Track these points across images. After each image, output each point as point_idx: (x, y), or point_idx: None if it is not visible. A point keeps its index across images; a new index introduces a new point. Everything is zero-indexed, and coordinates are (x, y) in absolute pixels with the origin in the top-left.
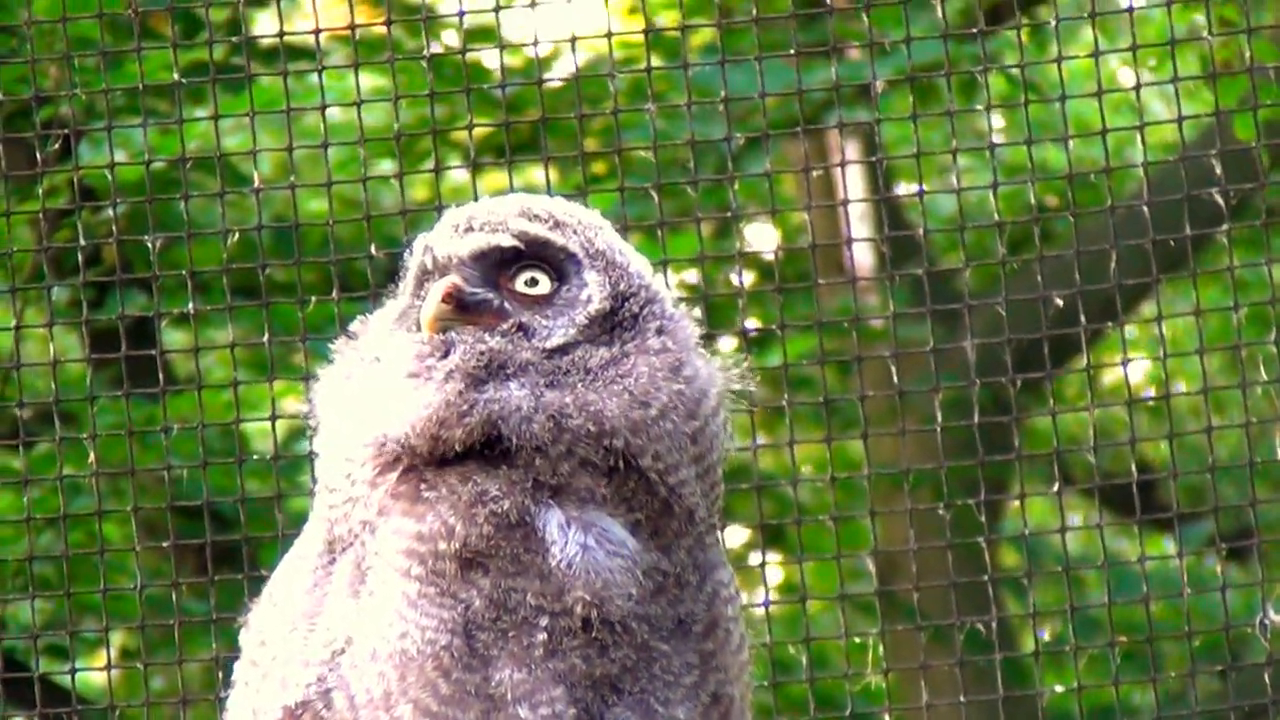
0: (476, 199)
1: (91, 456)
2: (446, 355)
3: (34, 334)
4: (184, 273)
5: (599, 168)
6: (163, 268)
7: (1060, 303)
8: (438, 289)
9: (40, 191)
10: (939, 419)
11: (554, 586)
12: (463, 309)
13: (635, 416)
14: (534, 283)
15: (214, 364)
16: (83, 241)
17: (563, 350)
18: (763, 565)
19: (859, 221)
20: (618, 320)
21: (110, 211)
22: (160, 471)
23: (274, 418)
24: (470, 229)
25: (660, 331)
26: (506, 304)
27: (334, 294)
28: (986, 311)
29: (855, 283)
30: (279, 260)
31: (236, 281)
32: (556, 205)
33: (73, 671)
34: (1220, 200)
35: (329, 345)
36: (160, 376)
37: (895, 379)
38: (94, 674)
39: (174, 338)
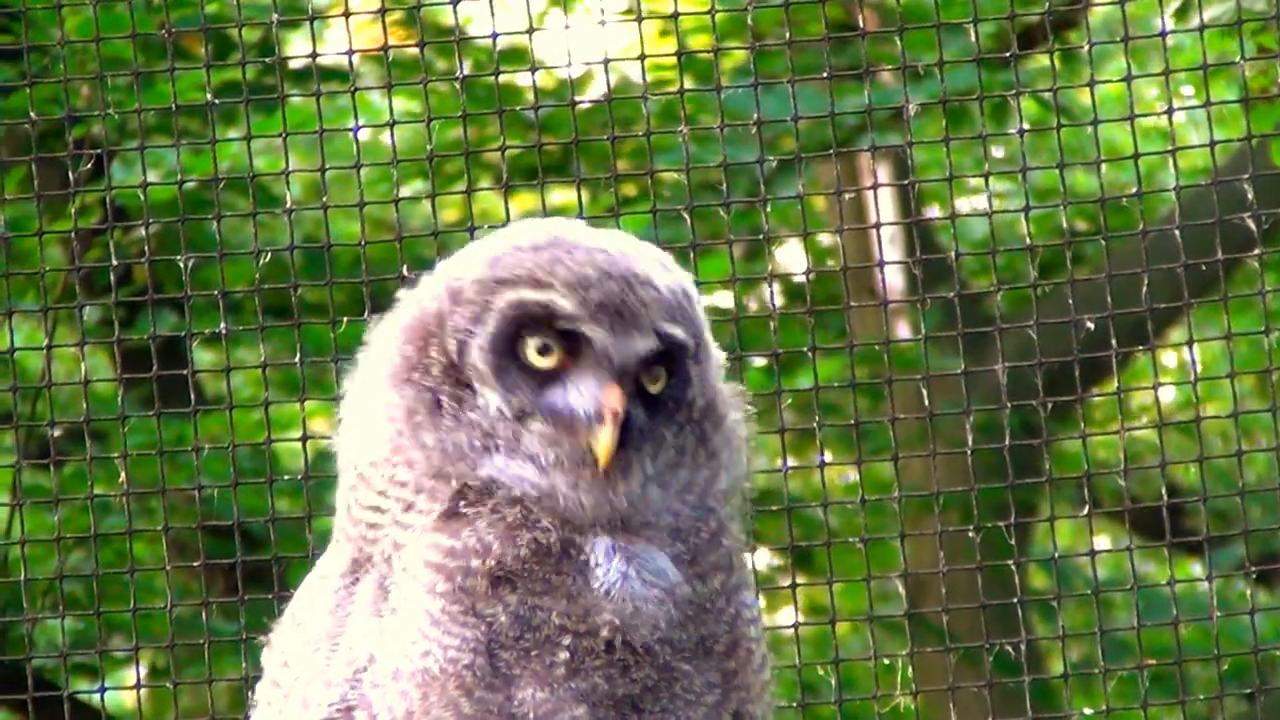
0: (508, 219)
1: (122, 476)
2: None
3: (64, 353)
4: (215, 293)
5: (630, 189)
6: (194, 287)
7: (1091, 326)
8: (614, 418)
9: (72, 211)
10: (969, 442)
11: (581, 608)
12: (631, 433)
13: (718, 504)
14: (656, 379)
15: (244, 384)
16: (114, 261)
17: (677, 451)
18: (793, 587)
19: (890, 245)
20: (704, 409)
21: (142, 231)
22: (191, 491)
23: (305, 438)
24: (620, 315)
25: (725, 406)
26: (642, 416)
27: (365, 314)
28: (1017, 335)
29: (886, 305)
30: (310, 281)
31: (268, 301)
32: (676, 281)
33: (102, 690)
34: (1252, 225)
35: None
36: (191, 396)
37: (926, 401)
38: (123, 693)
39: (204, 358)
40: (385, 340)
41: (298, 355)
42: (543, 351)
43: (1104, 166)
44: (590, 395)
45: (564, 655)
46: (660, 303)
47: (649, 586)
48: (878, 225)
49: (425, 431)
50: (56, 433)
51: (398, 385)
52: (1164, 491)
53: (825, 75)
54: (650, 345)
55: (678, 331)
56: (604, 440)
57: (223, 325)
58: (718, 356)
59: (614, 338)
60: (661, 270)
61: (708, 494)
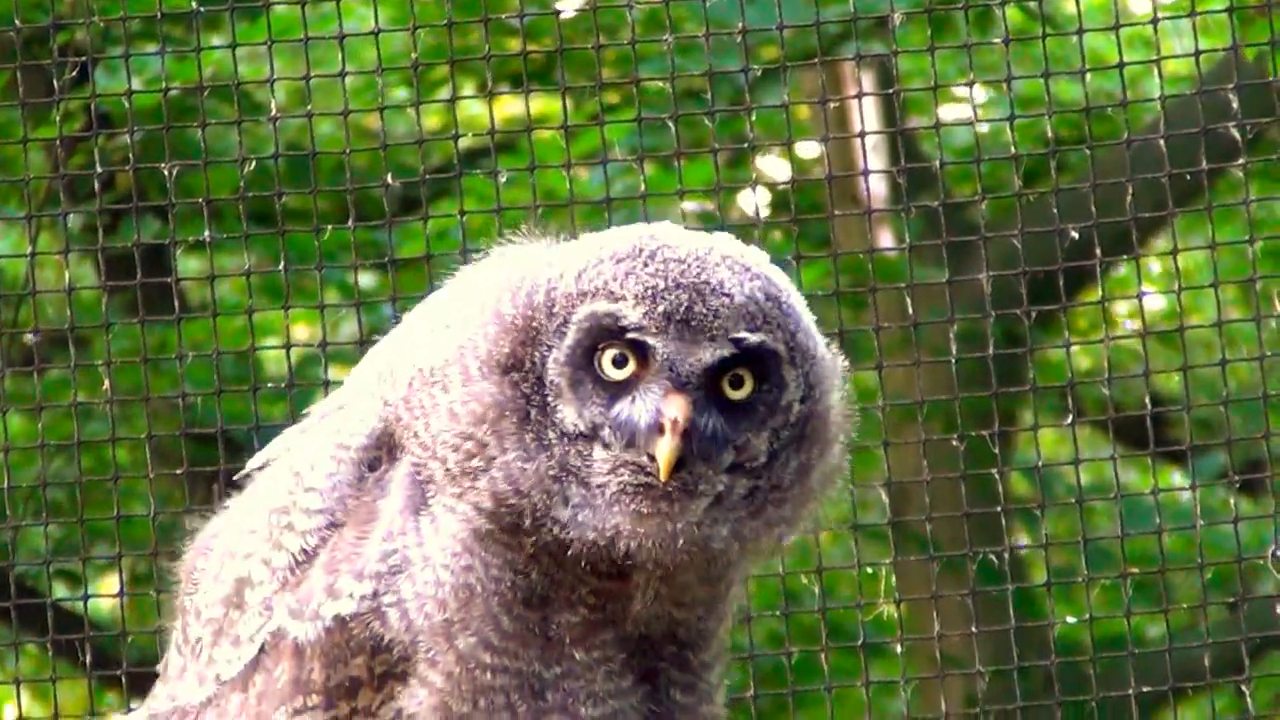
0: (492, 127)
1: (105, 382)
2: (675, 496)
3: (48, 260)
4: (199, 200)
5: (614, 97)
6: (178, 194)
7: (1075, 235)
8: (674, 427)
9: (56, 117)
10: (953, 350)
11: (614, 600)
12: (692, 443)
13: (802, 531)
14: (739, 384)
15: (228, 291)
16: (98, 168)
17: (764, 466)
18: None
19: (873, 153)
20: (804, 416)
21: (126, 138)
22: (174, 398)
23: (288, 345)
24: (687, 324)
25: (836, 425)
26: (719, 424)
27: (349, 222)
28: (1001, 243)
29: (870, 214)
30: (294, 188)
31: (252, 209)
32: (759, 288)
33: (85, 597)
34: (1236, 134)
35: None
36: (175, 303)
37: (910, 310)
38: (105, 600)
39: (188, 264)
40: (488, 309)
41: (281, 262)
42: (618, 363)
43: (1088, 75)
44: (653, 405)
45: (590, 602)
46: (736, 311)
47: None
48: (862, 134)
49: (511, 444)
50: (40, 339)
51: (496, 378)
52: (1147, 400)
53: None
54: (721, 353)
55: (759, 338)
56: (663, 450)
57: (207, 232)
58: (831, 366)
59: (679, 347)
60: (743, 277)
61: (781, 523)
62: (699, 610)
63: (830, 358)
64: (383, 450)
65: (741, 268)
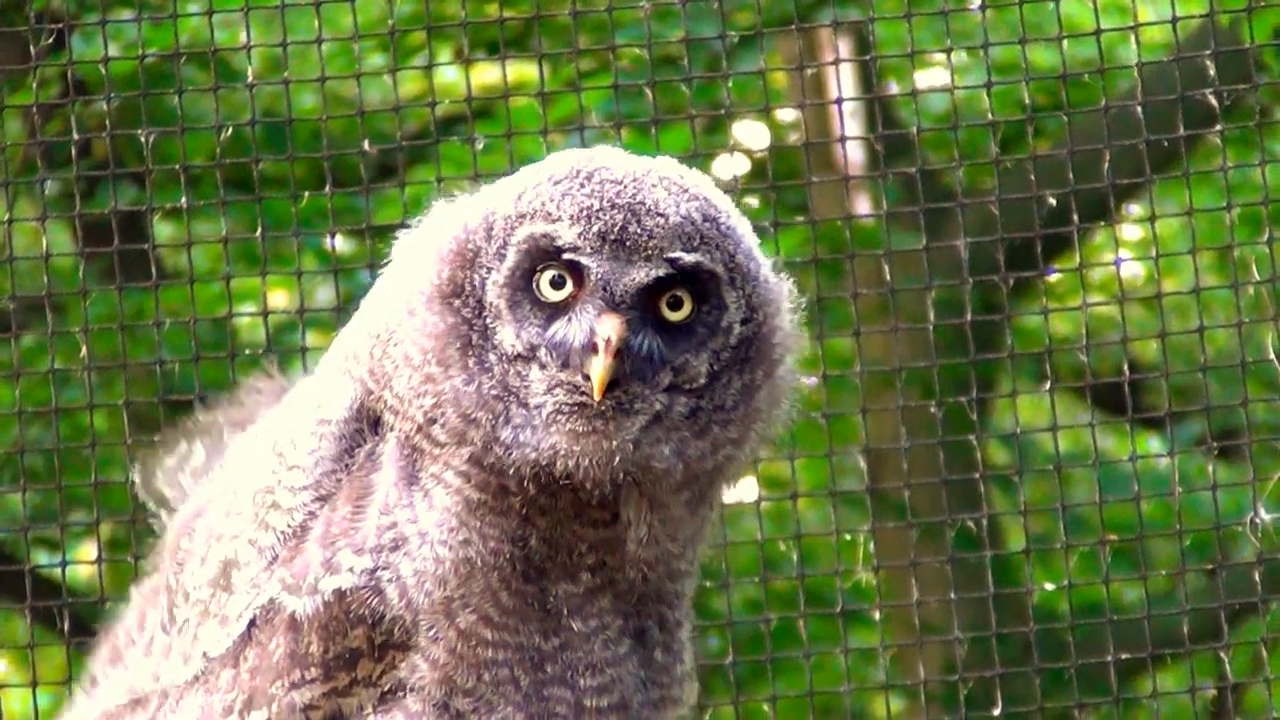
0: (469, 94)
1: (83, 349)
2: (609, 415)
3: (24, 227)
4: (176, 166)
5: (591, 64)
6: (155, 161)
7: (1052, 201)
8: (607, 346)
9: (32, 84)
10: (930, 317)
11: (612, 550)
12: (627, 362)
13: (752, 451)
14: (677, 305)
15: (204, 258)
16: (75, 135)
17: (705, 387)
18: (755, 461)
19: (850, 120)
20: (747, 337)
21: (103, 105)
22: (151, 364)
23: (265, 312)
24: (621, 243)
25: (781, 346)
26: (656, 344)
27: (326, 188)
28: (978, 210)
29: (847, 181)
30: (271, 155)
31: (228, 175)
32: (696, 208)
33: (63, 564)
34: (1213, 100)
35: (320, 240)
36: (152, 269)
37: (887, 276)
38: (83, 566)
39: (165, 231)
40: (429, 250)
41: (259, 229)
42: (555, 284)
43: (1065, 42)
44: (588, 325)
45: (589, 562)
46: (671, 231)
47: (669, 540)
48: (839, 100)
49: (455, 369)
50: (16, 306)
51: (436, 306)
52: (1125, 367)
53: None
54: (655, 273)
55: (695, 258)
56: (596, 368)
57: (183, 199)
58: (776, 289)
59: (613, 267)
60: (680, 198)
61: (727, 444)
62: (686, 545)
63: (776, 281)
64: (363, 423)
65: (679, 189)
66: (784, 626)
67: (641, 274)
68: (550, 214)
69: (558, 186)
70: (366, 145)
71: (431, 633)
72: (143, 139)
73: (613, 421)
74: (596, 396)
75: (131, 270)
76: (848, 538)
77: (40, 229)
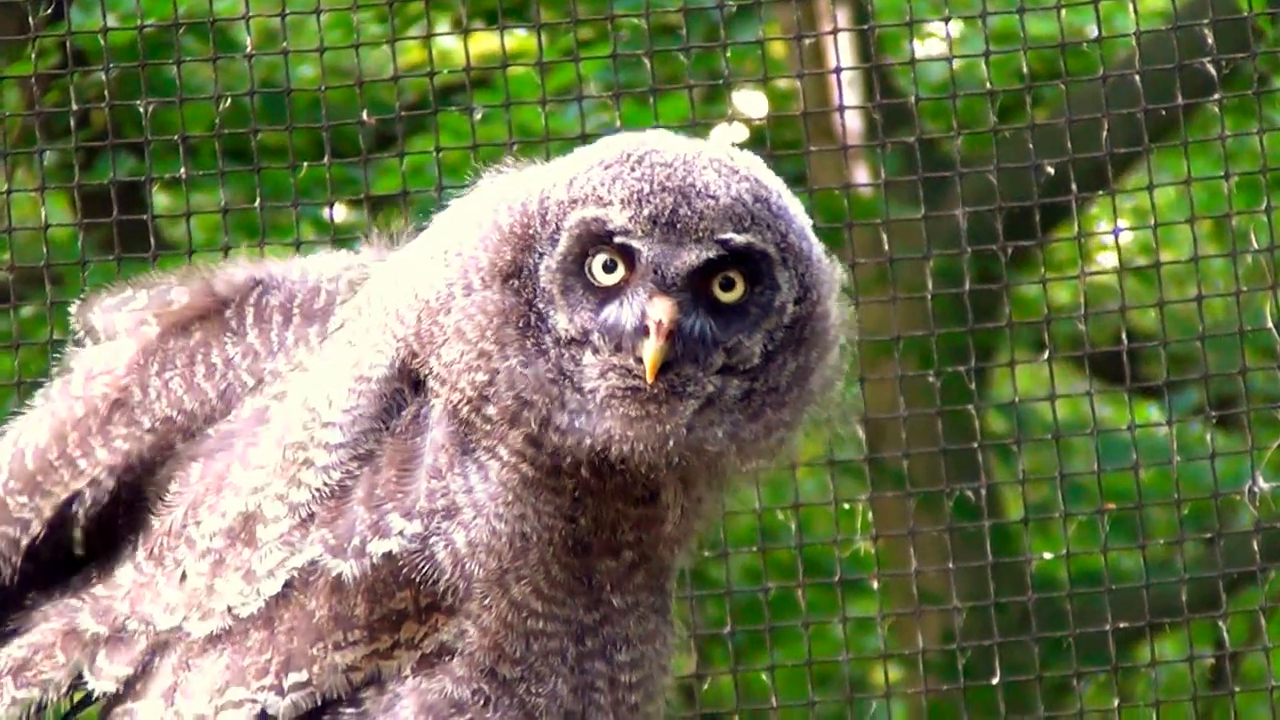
0: (467, 64)
1: None
2: (662, 398)
3: (23, 197)
4: (175, 137)
5: (589, 33)
6: (153, 131)
7: (1051, 170)
8: (658, 329)
9: (31, 54)
10: (929, 286)
11: (650, 527)
12: (679, 345)
13: (802, 434)
14: (730, 286)
15: (203, 228)
16: (73, 105)
17: (759, 369)
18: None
19: (849, 89)
20: (800, 319)
21: (101, 75)
22: None
23: None
24: (672, 226)
25: (835, 328)
26: (709, 326)
27: (325, 159)
28: (976, 179)
29: (845, 150)
30: (270, 125)
31: (227, 146)
32: (747, 189)
33: None
34: (1212, 69)
35: (318, 210)
36: (151, 240)
37: (885, 246)
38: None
39: (163, 202)
40: (484, 226)
41: (257, 199)
42: (607, 268)
43: (1063, 10)
44: (639, 308)
45: (629, 539)
46: (721, 212)
47: (701, 519)
48: (837, 70)
49: (512, 350)
50: (15, 276)
51: (498, 286)
52: (1123, 335)
53: None
54: (706, 255)
55: (746, 239)
56: (648, 351)
57: (182, 169)
58: (828, 271)
59: (664, 250)
60: (730, 179)
61: (780, 426)
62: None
63: (827, 263)
64: (404, 383)
65: (729, 170)
66: (782, 595)
67: (692, 256)
68: (601, 198)
69: (608, 171)
70: (365, 115)
71: (485, 601)
72: (141, 109)
73: (666, 405)
74: (649, 379)
75: (130, 241)
76: (846, 507)
77: (39, 200)
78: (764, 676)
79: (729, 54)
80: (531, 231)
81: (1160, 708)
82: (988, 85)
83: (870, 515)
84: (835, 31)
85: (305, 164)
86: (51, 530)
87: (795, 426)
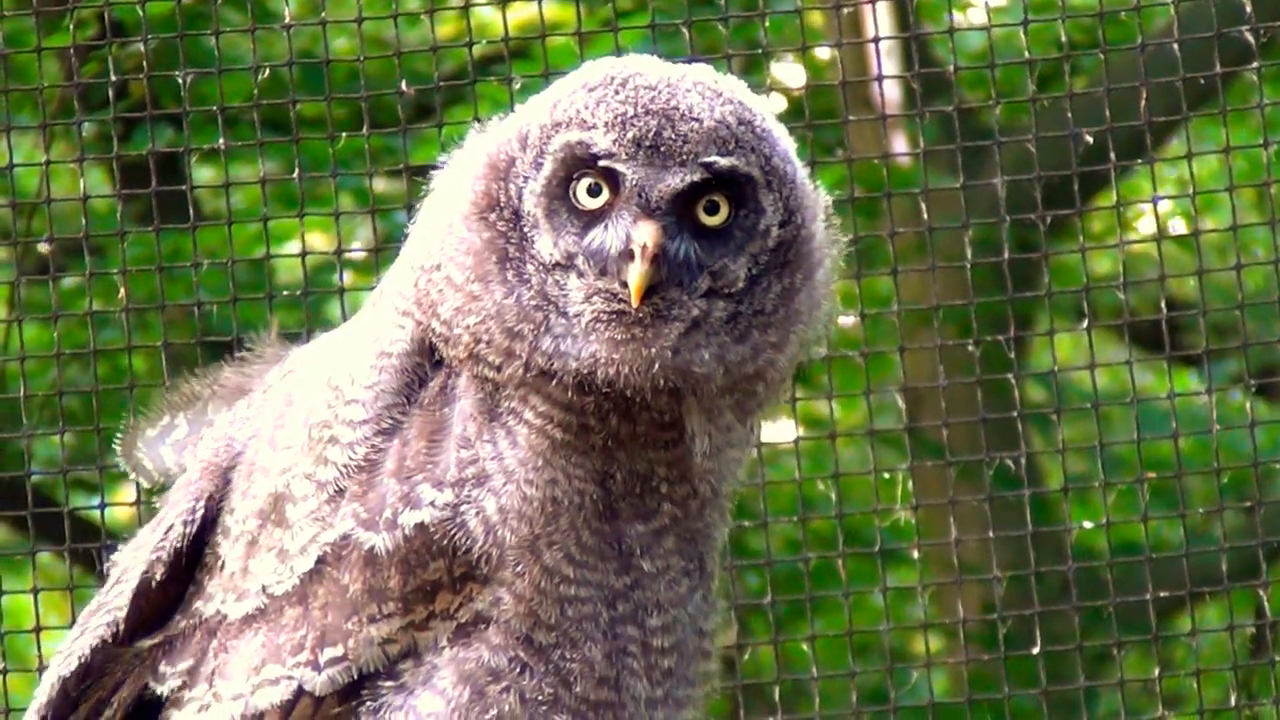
0: (506, 35)
1: (121, 291)
2: (647, 322)
3: (62, 169)
4: (213, 108)
5: (627, 3)
6: (192, 103)
7: (1089, 139)
8: (643, 253)
9: (69, 26)
10: (968, 256)
11: (682, 468)
12: (663, 268)
13: (794, 355)
14: (714, 210)
15: (242, 199)
16: (112, 76)
17: (744, 291)
18: (792, 401)
19: (887, 59)
20: (785, 241)
21: (140, 46)
22: (189, 306)
23: (303, 253)
24: (656, 149)
25: (820, 249)
26: (694, 249)
27: (364, 129)
28: (1015, 148)
29: (884, 120)
30: (308, 95)
31: (266, 117)
32: (731, 112)
33: (101, 506)
34: (1250, 38)
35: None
36: (190, 211)
37: (925, 215)
38: (122, 509)
39: (202, 173)
40: (465, 172)
41: (296, 170)
42: (592, 192)
43: None
44: (624, 232)
45: (663, 503)
46: (705, 135)
47: (733, 448)
48: (876, 39)
49: (495, 283)
50: (54, 248)
51: (474, 223)
52: (1163, 304)
53: None
54: (690, 178)
55: (730, 161)
56: (633, 275)
57: (221, 140)
58: (813, 195)
59: (648, 173)
60: (714, 102)
61: (768, 348)
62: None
63: (812, 186)
64: (423, 357)
65: (713, 93)
66: (823, 566)
67: (677, 179)
68: (585, 121)
69: (592, 94)
70: (404, 86)
71: (518, 568)
72: (180, 80)
73: (651, 328)
74: (634, 303)
75: (169, 212)
76: (886, 477)
77: (78, 171)
78: (804, 647)
79: (768, 24)
80: (505, 159)
81: (1201, 676)
82: (1026, 54)
83: (910, 485)
84: (874, 0)
85: (344, 134)
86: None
87: (783, 348)
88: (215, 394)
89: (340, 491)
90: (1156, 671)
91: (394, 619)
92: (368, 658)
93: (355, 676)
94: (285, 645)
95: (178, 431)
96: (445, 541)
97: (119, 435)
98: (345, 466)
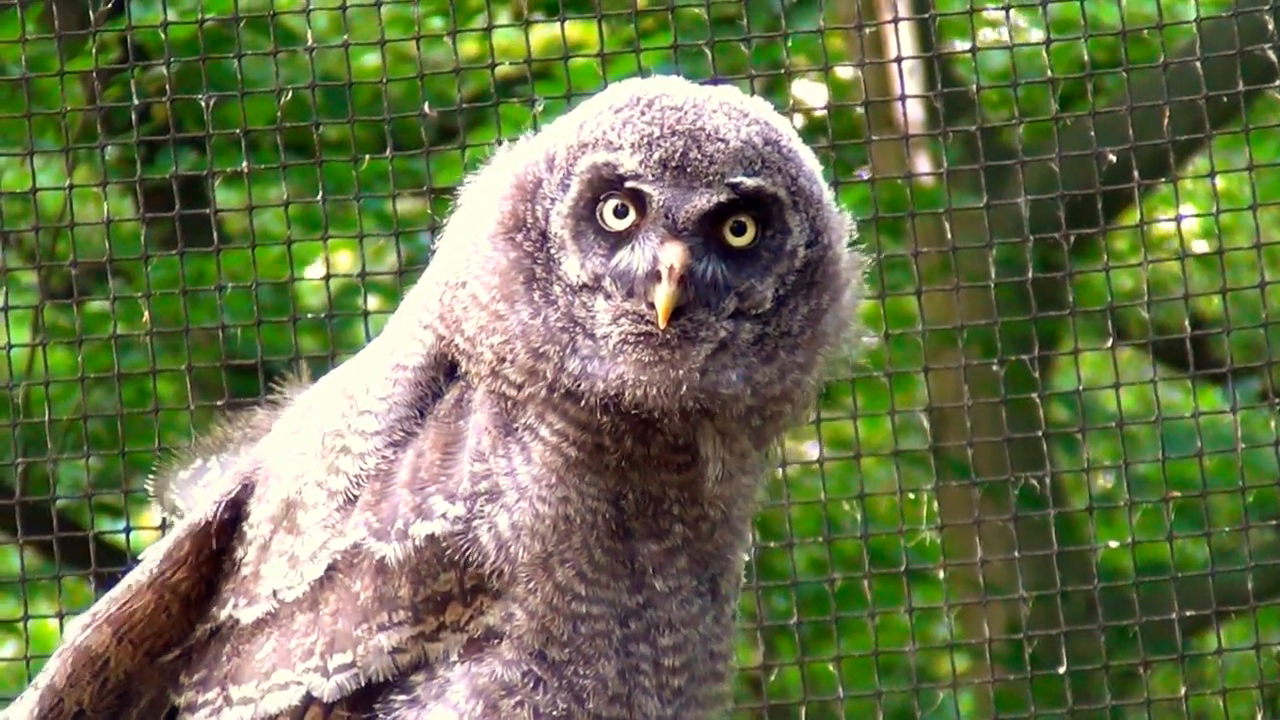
0: (528, 55)
1: (145, 314)
2: (674, 343)
3: (85, 192)
4: (236, 131)
5: (650, 23)
6: (215, 126)
7: (1113, 158)
8: (670, 274)
9: (92, 49)
10: (992, 275)
11: (693, 491)
12: (691, 289)
13: (820, 377)
14: (741, 230)
15: (266, 222)
16: (135, 100)
17: (771, 312)
18: (817, 421)
19: (909, 78)
20: (811, 262)
21: (162, 69)
22: (213, 329)
23: (327, 276)
24: (683, 170)
25: (846, 270)
26: (721, 270)
27: (387, 151)
28: (1038, 167)
29: (907, 139)
30: (331, 118)
31: (289, 139)
32: (757, 133)
33: (127, 530)
34: (1273, 55)
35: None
36: (214, 234)
37: (948, 235)
38: (147, 533)
39: (225, 196)
40: (492, 191)
41: (319, 193)
42: (619, 213)
43: None
44: (651, 253)
45: (675, 525)
46: (732, 155)
47: (747, 474)
48: (898, 59)
49: (521, 304)
50: (79, 271)
51: (501, 243)
52: (1187, 322)
53: None
54: (717, 199)
55: (757, 182)
56: (660, 297)
57: (244, 163)
58: (837, 217)
59: (675, 194)
60: (740, 122)
61: (794, 369)
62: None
63: (836, 208)
64: (439, 371)
65: (739, 113)
66: (848, 586)
67: (703, 200)
68: (612, 142)
69: (618, 115)
70: (427, 108)
71: (530, 584)
72: (203, 103)
73: (679, 350)
74: (661, 324)
75: (193, 235)
76: (911, 497)
77: (101, 195)
78: (830, 667)
79: (789, 44)
80: (533, 179)
81: (1227, 695)
82: (1049, 73)
83: (935, 505)
84: (896, 20)
85: (367, 157)
86: None
87: (810, 369)
88: (247, 437)
89: (352, 500)
90: (1183, 690)
91: (404, 628)
92: (377, 666)
93: (363, 684)
94: (295, 650)
95: (210, 474)
96: (456, 554)
97: (151, 474)
98: (355, 476)
